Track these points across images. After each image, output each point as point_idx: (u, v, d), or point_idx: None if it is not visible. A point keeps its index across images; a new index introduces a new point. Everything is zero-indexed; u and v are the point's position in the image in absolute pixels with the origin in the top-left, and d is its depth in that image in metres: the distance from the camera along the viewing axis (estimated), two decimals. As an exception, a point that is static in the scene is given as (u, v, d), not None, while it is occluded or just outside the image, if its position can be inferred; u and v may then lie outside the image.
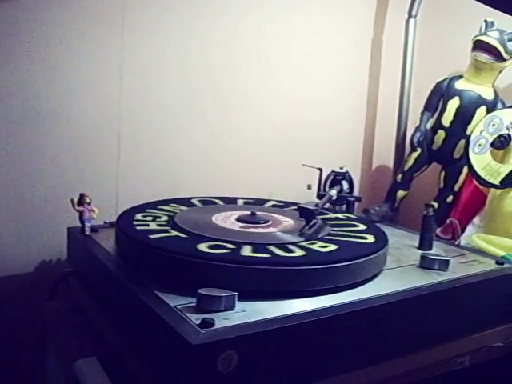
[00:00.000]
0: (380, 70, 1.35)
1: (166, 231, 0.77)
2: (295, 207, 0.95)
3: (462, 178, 1.14)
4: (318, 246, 0.74)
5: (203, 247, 0.70)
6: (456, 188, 1.15)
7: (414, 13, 1.21)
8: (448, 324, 0.76)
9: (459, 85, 1.12)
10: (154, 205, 0.93)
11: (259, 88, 1.20)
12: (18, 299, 0.99)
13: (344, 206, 1.08)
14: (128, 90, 1.05)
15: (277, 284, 0.66)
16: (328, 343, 0.62)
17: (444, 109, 1.13)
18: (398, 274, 0.79)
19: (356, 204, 1.10)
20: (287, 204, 1.03)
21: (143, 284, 0.67)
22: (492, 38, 1.04)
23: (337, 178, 1.09)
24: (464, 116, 1.10)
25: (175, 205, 0.95)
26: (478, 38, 1.06)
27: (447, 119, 1.12)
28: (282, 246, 0.73)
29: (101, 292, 0.80)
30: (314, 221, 0.82)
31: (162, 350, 0.60)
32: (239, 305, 0.62)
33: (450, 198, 1.15)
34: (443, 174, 1.17)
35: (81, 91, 1.01)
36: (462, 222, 1.07)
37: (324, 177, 1.10)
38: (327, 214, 0.96)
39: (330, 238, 0.79)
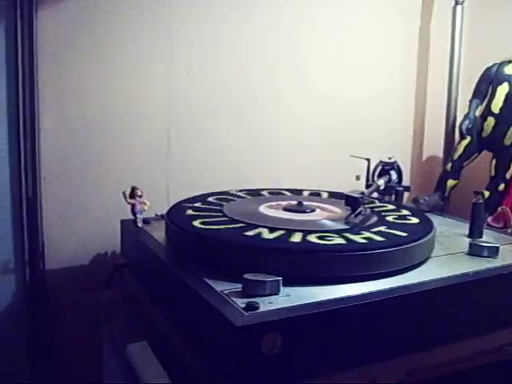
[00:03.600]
0: (428, 59, 1.33)
1: (215, 221, 0.79)
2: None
3: (514, 165, 1.11)
4: (361, 235, 0.74)
5: (249, 234, 0.72)
6: (508, 176, 1.12)
7: (460, -1, 1.19)
8: (498, 311, 0.74)
9: (509, 70, 1.09)
10: (205, 196, 0.96)
11: (314, 83, 1.22)
12: (75, 290, 1.04)
13: (393, 196, 1.07)
14: (176, 86, 1.08)
15: (321, 269, 0.67)
16: (372, 328, 0.62)
17: (493, 95, 1.10)
18: (446, 261, 0.78)
19: (405, 194, 1.09)
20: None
21: (192, 271, 0.70)
22: (542, 20, 1.01)
23: (385, 168, 1.08)
24: (514, 102, 1.08)
25: (225, 196, 0.97)
26: (528, 19, 1.03)
27: (497, 105, 1.09)
28: (325, 234, 0.74)
29: (151, 281, 0.83)
30: (359, 209, 0.82)
31: (208, 333, 0.62)
32: (284, 290, 0.63)
33: (501, 186, 1.13)
34: (494, 161, 1.14)
35: (130, 87, 1.05)
36: (514, 210, 1.04)
37: (372, 167, 1.10)
38: (374, 202, 0.96)
39: (376, 226, 0.79)
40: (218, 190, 1.00)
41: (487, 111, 1.12)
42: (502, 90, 1.09)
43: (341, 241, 0.71)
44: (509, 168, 1.12)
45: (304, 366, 0.58)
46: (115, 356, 0.78)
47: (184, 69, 1.09)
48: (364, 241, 0.71)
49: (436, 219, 1.02)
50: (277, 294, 0.62)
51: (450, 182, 1.16)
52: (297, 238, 0.71)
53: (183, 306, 0.69)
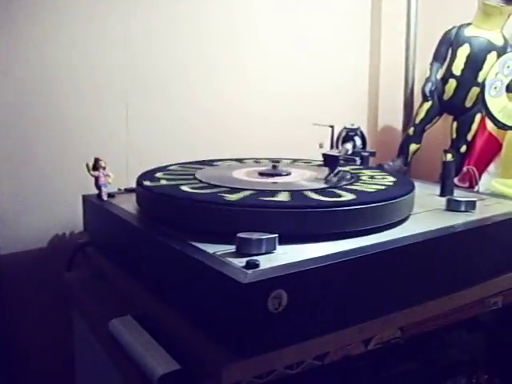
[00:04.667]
0: (381, 27, 1.33)
1: (193, 186, 0.75)
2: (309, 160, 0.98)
3: (474, 127, 1.14)
4: (346, 192, 0.73)
5: (236, 197, 0.69)
6: (469, 137, 1.14)
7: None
8: (482, 263, 0.75)
9: (468, 32, 1.11)
10: (171, 166, 0.92)
11: (261, 53, 1.19)
12: (34, 275, 0.97)
13: (358, 162, 1.07)
14: (134, 55, 1.03)
15: (316, 226, 0.65)
16: (370, 282, 0.61)
17: (454, 57, 1.12)
18: (427, 216, 0.78)
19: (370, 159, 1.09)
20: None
21: (177, 237, 0.65)
22: (502, -19, 1.03)
23: (349, 135, 1.08)
24: (475, 63, 1.09)
25: (192, 165, 0.93)
26: (487, -19, 1.05)
27: (458, 67, 1.11)
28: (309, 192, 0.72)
29: (127, 255, 0.78)
30: (338, 168, 0.81)
31: (205, 297, 0.58)
32: (278, 248, 0.60)
33: (463, 148, 1.15)
34: (455, 124, 1.16)
35: (87, 57, 0.99)
36: (477, 170, 1.06)
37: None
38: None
39: (357, 185, 0.78)
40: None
41: (448, 74, 1.13)
42: (463, 52, 1.10)
43: (329, 198, 0.69)
44: (470, 130, 1.14)
45: (306, 323, 0.56)
46: (93, 333, 0.73)
47: (143, 38, 1.04)
48: (352, 197, 0.70)
49: (404, 182, 1.04)
50: (272, 253, 0.59)
51: (413, 147, 1.18)
52: (284, 197, 0.69)
53: (171, 273, 0.65)
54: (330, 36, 1.27)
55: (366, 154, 1.05)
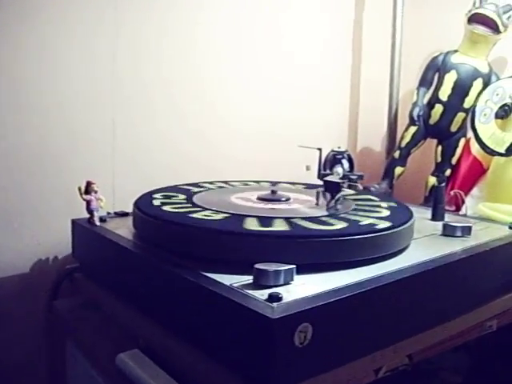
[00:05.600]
0: (361, 52, 1.35)
1: (195, 212, 0.74)
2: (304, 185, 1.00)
3: (458, 151, 1.16)
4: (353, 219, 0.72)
5: (248, 224, 0.67)
6: (453, 161, 1.17)
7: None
8: (481, 288, 0.76)
9: (455, 59, 1.13)
10: (161, 190, 0.89)
11: (245, 76, 1.19)
12: (15, 302, 0.92)
13: (346, 185, 1.07)
14: (121, 78, 1.01)
15: (333, 255, 0.64)
16: (383, 311, 0.61)
17: (441, 83, 1.14)
18: (426, 242, 0.79)
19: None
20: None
21: (185, 266, 0.63)
22: (490, 11, 1.06)
23: (337, 158, 1.08)
24: (461, 89, 1.12)
25: (185, 188, 0.92)
26: (475, 11, 1.08)
27: (445, 93, 1.13)
28: (319, 220, 0.71)
29: (126, 282, 0.75)
30: (339, 195, 0.81)
31: (226, 329, 0.56)
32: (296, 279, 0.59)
33: (448, 172, 1.17)
34: (440, 148, 1.18)
35: (72, 80, 0.96)
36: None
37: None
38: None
39: (360, 212, 0.78)
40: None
41: (435, 99, 1.15)
42: (450, 78, 1.12)
43: (341, 225, 0.68)
44: (454, 154, 1.16)
45: (328, 356, 0.55)
46: (93, 366, 0.70)
47: (130, 61, 1.02)
48: (365, 223, 0.70)
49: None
50: (290, 284, 0.58)
51: (398, 170, 1.19)
52: (285, 226, 0.67)
53: (183, 304, 0.63)
54: (313, 57, 1.28)
55: (354, 177, 1.05)
